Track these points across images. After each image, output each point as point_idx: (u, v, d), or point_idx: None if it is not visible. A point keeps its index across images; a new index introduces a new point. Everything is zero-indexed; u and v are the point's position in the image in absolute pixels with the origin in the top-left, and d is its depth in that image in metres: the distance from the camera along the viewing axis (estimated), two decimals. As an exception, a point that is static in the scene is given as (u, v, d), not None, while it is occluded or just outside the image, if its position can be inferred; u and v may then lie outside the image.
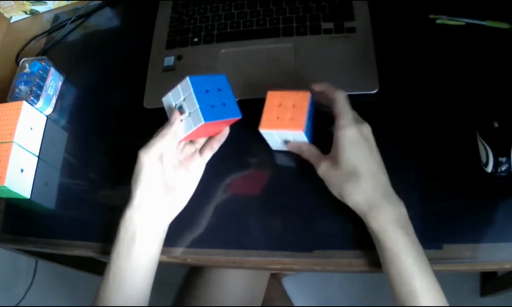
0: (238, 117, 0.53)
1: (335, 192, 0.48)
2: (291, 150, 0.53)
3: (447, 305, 0.43)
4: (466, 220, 0.48)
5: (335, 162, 0.47)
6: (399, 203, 0.46)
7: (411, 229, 0.45)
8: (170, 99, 0.50)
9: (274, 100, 0.52)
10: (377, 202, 0.45)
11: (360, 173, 0.46)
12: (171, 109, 0.50)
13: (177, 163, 0.53)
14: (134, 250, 0.48)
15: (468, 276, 1.13)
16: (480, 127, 0.50)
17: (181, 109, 0.50)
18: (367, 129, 0.48)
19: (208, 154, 0.55)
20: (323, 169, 0.49)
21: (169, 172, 0.52)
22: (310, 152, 0.51)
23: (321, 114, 0.53)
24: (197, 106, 0.48)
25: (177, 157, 0.54)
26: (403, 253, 0.43)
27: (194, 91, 0.48)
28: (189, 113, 0.49)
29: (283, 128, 0.50)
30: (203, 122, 0.48)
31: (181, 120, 0.50)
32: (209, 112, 0.49)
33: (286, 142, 0.53)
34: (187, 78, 0.49)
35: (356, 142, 0.47)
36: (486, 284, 1.10)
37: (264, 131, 0.51)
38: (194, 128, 0.49)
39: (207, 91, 0.50)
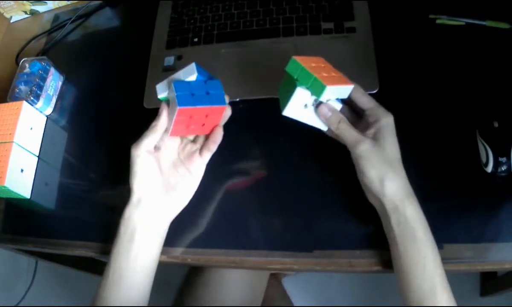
0: (222, 105, 0.51)
1: (373, 173, 0.46)
2: (330, 118, 0.48)
3: (456, 305, 0.43)
4: (466, 220, 0.49)
5: (379, 144, 0.47)
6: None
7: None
8: (162, 88, 0.50)
9: (306, 63, 0.45)
10: (410, 190, 0.46)
11: (399, 160, 0.47)
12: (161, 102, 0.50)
13: (178, 161, 0.53)
14: (133, 249, 0.48)
15: (468, 276, 1.13)
16: (480, 127, 0.50)
17: (168, 102, 0.50)
18: (391, 116, 0.49)
19: (207, 155, 0.55)
20: (368, 145, 0.46)
21: (170, 170, 0.52)
22: (348, 124, 0.48)
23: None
24: (175, 93, 0.47)
25: (178, 155, 0.54)
26: (431, 244, 0.44)
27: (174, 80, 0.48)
28: (171, 103, 0.49)
29: (343, 84, 0.47)
30: (177, 107, 0.47)
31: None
32: (187, 99, 0.48)
33: (317, 108, 0.48)
34: (193, 65, 0.49)
35: (394, 132, 0.48)
36: (486, 284, 1.10)
37: (330, 88, 0.44)
38: (174, 116, 0.48)
39: (189, 81, 0.50)
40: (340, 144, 0.50)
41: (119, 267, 0.48)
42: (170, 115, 0.49)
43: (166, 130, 0.50)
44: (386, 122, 0.48)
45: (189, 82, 0.49)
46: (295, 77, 0.45)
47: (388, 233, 0.46)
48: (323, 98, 0.45)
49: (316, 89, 0.44)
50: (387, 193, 0.45)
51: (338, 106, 0.49)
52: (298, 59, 0.45)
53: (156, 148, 0.51)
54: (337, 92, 0.47)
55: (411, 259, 0.44)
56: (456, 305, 0.43)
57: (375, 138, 0.47)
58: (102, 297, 0.47)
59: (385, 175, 0.46)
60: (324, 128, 0.49)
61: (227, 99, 0.51)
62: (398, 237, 0.45)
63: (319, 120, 0.48)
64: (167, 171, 0.52)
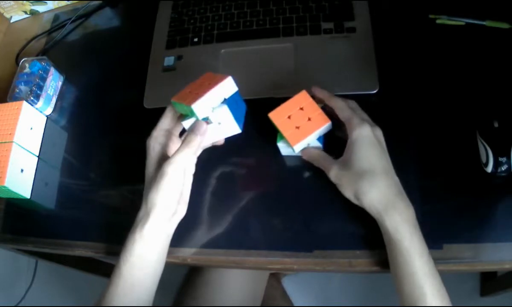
0: (245, 109, 0.53)
1: (349, 193, 0.48)
2: (305, 157, 0.53)
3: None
4: (466, 220, 0.48)
5: (348, 162, 0.47)
6: (410, 204, 0.46)
7: (419, 230, 0.45)
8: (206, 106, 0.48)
9: (280, 117, 0.51)
10: (392, 200, 0.45)
11: (375, 171, 0.46)
12: (197, 121, 0.49)
13: (190, 174, 0.53)
14: (147, 259, 0.48)
15: (468, 276, 1.13)
16: (480, 127, 0.50)
17: (206, 120, 0.49)
18: (379, 131, 0.49)
19: (199, 151, 0.54)
20: (335, 171, 0.48)
21: (187, 183, 0.51)
22: (321, 156, 0.51)
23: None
24: (232, 117, 0.48)
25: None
26: (417, 254, 0.43)
27: (227, 101, 0.48)
28: (218, 123, 0.49)
29: (312, 132, 0.50)
30: (240, 131, 0.49)
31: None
32: (239, 120, 0.50)
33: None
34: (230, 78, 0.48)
35: (370, 142, 0.47)
36: (486, 284, 1.10)
37: (297, 145, 0.50)
38: (227, 135, 0.50)
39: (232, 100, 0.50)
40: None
41: (132, 277, 0.47)
42: (213, 133, 0.49)
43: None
44: (356, 135, 0.47)
45: (232, 99, 0.49)
46: (185, 114, 0.50)
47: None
48: (199, 115, 0.47)
49: (192, 112, 0.47)
50: (367, 206, 0.46)
51: (225, 110, 0.49)
52: (175, 99, 0.50)
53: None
54: (211, 100, 0.47)
55: (399, 268, 0.44)
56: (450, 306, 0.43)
57: (345, 157, 0.48)
58: (112, 303, 0.47)
59: (358, 190, 0.46)
60: (237, 131, 0.50)
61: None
62: (386, 245, 0.46)
63: (230, 127, 0.50)
64: (185, 185, 0.51)
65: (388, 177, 0.46)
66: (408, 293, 0.44)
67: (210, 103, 0.47)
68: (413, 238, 0.44)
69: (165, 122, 0.51)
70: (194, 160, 0.51)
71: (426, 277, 0.43)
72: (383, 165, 0.47)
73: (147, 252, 0.48)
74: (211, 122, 0.48)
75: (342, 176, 0.48)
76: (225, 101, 0.48)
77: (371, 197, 0.45)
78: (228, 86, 0.48)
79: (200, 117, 0.48)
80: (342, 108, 0.50)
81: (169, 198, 0.48)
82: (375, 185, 0.45)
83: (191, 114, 0.48)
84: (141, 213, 0.48)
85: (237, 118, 0.49)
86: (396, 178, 0.47)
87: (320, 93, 0.53)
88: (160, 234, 0.49)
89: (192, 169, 0.51)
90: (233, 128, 0.50)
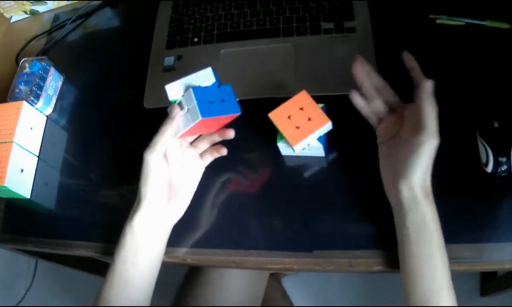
0: (237, 113, 0.52)
1: (392, 160, 0.47)
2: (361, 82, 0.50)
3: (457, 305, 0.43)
4: (466, 220, 0.48)
5: (401, 163, 0.45)
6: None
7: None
8: (174, 90, 0.50)
9: (281, 117, 0.52)
10: (431, 190, 0.45)
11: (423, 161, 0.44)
12: (171, 104, 0.50)
13: (179, 165, 0.53)
14: (141, 256, 0.48)
15: (468, 276, 1.13)
16: (480, 127, 0.50)
17: (180, 104, 0.49)
18: (436, 141, 0.45)
19: (209, 159, 0.55)
20: (406, 133, 0.46)
21: (174, 174, 0.52)
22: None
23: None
24: (195, 102, 0.48)
25: (179, 159, 0.54)
26: (444, 247, 0.44)
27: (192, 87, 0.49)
28: (187, 109, 0.49)
29: (312, 132, 0.50)
30: (200, 118, 0.48)
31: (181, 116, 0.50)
32: (207, 108, 0.48)
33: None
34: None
35: (430, 154, 0.45)
36: (486, 284, 1.10)
37: (297, 145, 0.50)
38: (192, 124, 0.48)
39: (205, 87, 0.50)
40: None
41: (126, 272, 0.48)
42: (184, 119, 0.49)
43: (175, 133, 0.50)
44: (426, 143, 0.45)
45: (205, 88, 0.50)
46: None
47: (401, 230, 0.45)
48: (169, 96, 0.49)
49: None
50: (411, 186, 0.44)
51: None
52: None
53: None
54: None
55: (423, 260, 0.44)
56: (457, 305, 0.43)
57: (411, 138, 0.45)
58: (107, 301, 0.47)
59: (388, 189, 0.46)
60: (199, 118, 0.49)
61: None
62: (413, 236, 0.44)
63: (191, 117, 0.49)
64: (172, 173, 0.51)
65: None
66: (425, 286, 0.43)
67: (182, 87, 0.49)
68: (441, 231, 0.44)
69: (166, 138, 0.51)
70: (175, 144, 0.52)
71: (446, 271, 0.43)
72: (428, 166, 0.45)
73: (139, 244, 0.48)
74: (184, 108, 0.49)
75: (401, 145, 0.46)
76: (195, 87, 0.49)
77: (422, 180, 0.44)
78: (205, 75, 0.49)
79: (170, 98, 0.49)
80: (429, 105, 0.46)
81: (156, 186, 0.48)
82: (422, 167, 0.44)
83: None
84: (133, 207, 0.49)
85: (201, 103, 0.48)
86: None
87: (411, 62, 0.50)
88: (151, 224, 0.49)
89: (175, 154, 0.52)
90: (196, 114, 0.48)
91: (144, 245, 0.48)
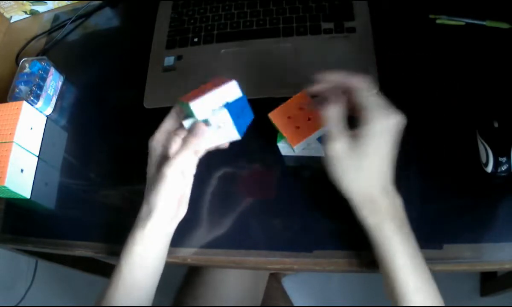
0: (252, 117, 0.50)
1: (336, 174, 0.45)
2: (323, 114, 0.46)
3: (442, 303, 0.43)
4: (466, 220, 0.48)
5: (356, 148, 0.43)
6: (394, 196, 0.45)
7: (406, 224, 0.44)
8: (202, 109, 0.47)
9: (280, 117, 0.51)
10: (375, 196, 0.44)
11: (372, 168, 0.44)
12: (197, 123, 0.47)
13: (191, 175, 0.52)
14: (149, 262, 0.48)
15: (468, 276, 1.13)
16: (480, 127, 0.50)
17: (206, 122, 0.47)
18: (394, 120, 0.44)
19: (201, 153, 0.54)
20: (341, 148, 0.44)
21: (187, 185, 0.51)
22: (335, 119, 0.45)
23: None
24: (232, 122, 0.47)
25: (193, 170, 0.53)
26: (398, 251, 0.43)
27: (229, 105, 0.47)
28: (218, 126, 0.47)
29: (312, 132, 0.50)
30: (239, 138, 0.47)
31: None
32: (240, 125, 0.47)
33: (309, 144, 0.52)
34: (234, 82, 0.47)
35: (381, 137, 0.43)
36: (486, 284, 1.10)
37: (297, 145, 0.50)
38: (226, 142, 0.49)
39: (234, 102, 0.48)
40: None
41: (133, 276, 0.47)
42: (212, 135, 0.48)
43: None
44: (369, 128, 0.43)
45: (234, 103, 0.47)
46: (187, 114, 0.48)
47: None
48: (198, 115, 0.46)
49: (190, 111, 0.46)
50: (348, 197, 0.45)
51: (225, 113, 0.47)
52: (181, 98, 0.48)
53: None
54: (211, 101, 0.46)
55: (379, 263, 0.44)
56: (440, 303, 0.42)
57: (356, 141, 0.44)
58: (114, 302, 0.47)
59: (347, 179, 0.45)
60: (237, 137, 0.49)
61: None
62: (369, 239, 0.45)
63: (229, 133, 0.48)
64: (185, 187, 0.51)
65: (380, 173, 0.44)
66: (390, 288, 0.43)
67: (210, 105, 0.46)
68: (394, 236, 0.43)
69: (168, 123, 0.50)
70: (195, 161, 0.50)
71: (409, 272, 0.42)
72: (382, 162, 0.44)
73: (148, 252, 0.48)
74: (210, 125, 0.47)
75: (345, 157, 0.44)
76: (227, 105, 0.47)
77: (354, 188, 0.44)
78: (231, 90, 0.47)
79: (199, 117, 0.47)
80: (358, 91, 0.45)
81: (170, 200, 0.48)
82: (364, 178, 0.44)
83: (190, 114, 0.47)
84: (143, 214, 0.48)
85: (237, 124, 0.47)
86: (389, 172, 0.45)
87: (319, 86, 0.48)
88: (161, 234, 0.49)
89: (192, 170, 0.51)
90: (232, 134, 0.48)
91: (153, 251, 0.48)
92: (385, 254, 0.43)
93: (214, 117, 0.47)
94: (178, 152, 0.47)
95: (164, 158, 0.50)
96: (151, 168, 0.50)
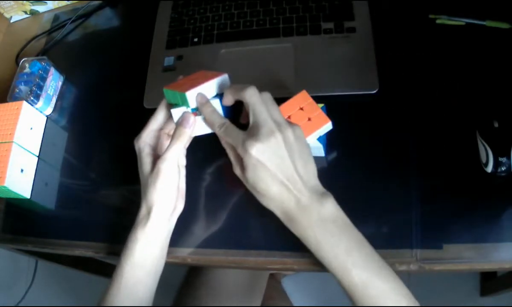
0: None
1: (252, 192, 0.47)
2: (212, 128, 0.48)
3: (401, 284, 0.43)
4: (466, 220, 0.48)
5: (244, 176, 0.46)
6: (319, 199, 0.44)
7: (339, 218, 0.44)
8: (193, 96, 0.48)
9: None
10: (293, 213, 0.44)
11: (266, 193, 0.45)
12: (186, 113, 0.49)
13: (184, 167, 0.53)
14: (150, 260, 0.48)
15: (468, 276, 1.13)
16: (480, 127, 0.50)
17: (194, 111, 0.49)
18: (281, 135, 0.43)
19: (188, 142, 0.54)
20: (238, 173, 0.47)
21: (182, 177, 0.52)
22: (231, 130, 0.47)
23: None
24: (221, 111, 0.49)
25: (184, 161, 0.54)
26: (330, 252, 0.43)
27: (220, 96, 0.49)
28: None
29: (312, 132, 0.50)
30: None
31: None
32: (228, 115, 0.49)
33: None
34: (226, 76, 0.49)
35: (261, 161, 0.43)
36: (486, 284, 1.10)
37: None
38: (212, 131, 0.49)
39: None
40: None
41: (135, 275, 0.48)
42: (202, 124, 0.49)
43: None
44: (247, 154, 0.44)
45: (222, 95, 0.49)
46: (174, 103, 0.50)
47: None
48: (191, 104, 0.47)
49: (184, 100, 0.47)
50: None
51: (216, 103, 0.49)
52: (167, 87, 0.50)
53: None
54: (204, 91, 0.48)
55: (316, 243, 0.44)
56: (400, 285, 0.42)
57: (243, 165, 0.45)
58: (116, 302, 0.47)
59: (260, 199, 0.47)
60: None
61: None
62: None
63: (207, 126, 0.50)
64: (180, 179, 0.51)
65: (282, 194, 0.44)
66: (331, 268, 0.44)
67: (203, 94, 0.48)
68: (322, 241, 0.43)
69: (156, 122, 0.51)
70: (184, 152, 0.52)
71: (349, 252, 0.42)
72: (275, 181, 0.44)
73: (149, 250, 0.48)
74: (199, 114, 0.49)
75: (244, 182, 0.47)
76: (217, 96, 0.49)
77: (271, 208, 0.46)
78: (223, 83, 0.49)
79: (191, 106, 0.48)
80: (247, 103, 0.46)
81: (168, 195, 0.48)
82: (270, 204, 0.46)
83: (182, 103, 0.48)
84: (142, 212, 0.48)
85: (226, 115, 0.49)
86: (300, 181, 0.44)
87: (228, 96, 0.48)
88: (161, 231, 0.49)
89: (183, 161, 0.52)
90: None
91: (154, 249, 0.49)
92: (321, 258, 0.44)
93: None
94: (170, 145, 0.48)
95: (154, 157, 0.50)
96: (143, 168, 0.50)
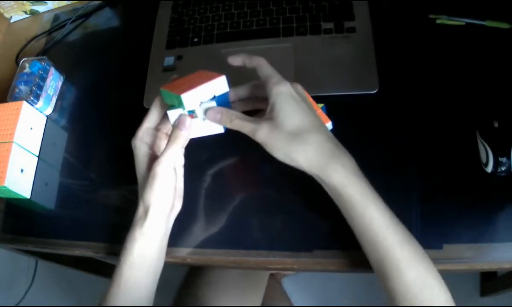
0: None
1: (282, 155, 0.45)
2: (223, 124, 0.48)
3: (425, 255, 0.43)
4: (466, 220, 0.49)
5: (276, 121, 0.45)
6: (349, 154, 0.45)
7: (367, 180, 0.44)
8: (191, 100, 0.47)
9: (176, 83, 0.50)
10: (334, 153, 0.44)
11: (307, 127, 0.44)
12: (182, 115, 0.48)
13: (181, 167, 0.53)
14: (149, 260, 0.48)
15: (468, 276, 1.13)
16: (480, 127, 0.50)
17: (191, 113, 0.48)
18: (300, 87, 0.48)
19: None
20: (264, 133, 0.45)
21: (178, 177, 0.52)
22: (241, 118, 0.47)
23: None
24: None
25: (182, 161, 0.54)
26: (372, 203, 0.42)
27: (217, 99, 0.48)
28: (204, 119, 0.48)
29: (204, 83, 0.46)
30: (223, 131, 0.48)
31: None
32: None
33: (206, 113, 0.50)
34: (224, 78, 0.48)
35: (293, 98, 0.45)
36: (486, 284, 1.10)
37: (184, 95, 0.46)
38: (212, 133, 0.49)
39: (221, 96, 0.49)
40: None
41: (134, 275, 0.48)
42: (198, 127, 0.49)
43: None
44: (276, 91, 0.45)
45: (221, 97, 0.48)
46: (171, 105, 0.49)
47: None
48: (187, 106, 0.47)
49: (179, 102, 0.46)
50: (303, 166, 0.44)
51: (213, 106, 0.48)
52: (164, 87, 0.49)
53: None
54: (201, 94, 0.47)
55: (357, 225, 0.44)
56: (424, 255, 0.42)
57: (270, 117, 0.45)
58: (116, 302, 0.47)
59: (294, 152, 0.44)
60: (221, 130, 0.50)
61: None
62: (337, 203, 0.45)
63: (214, 125, 0.49)
64: (177, 180, 0.51)
65: (321, 131, 0.45)
66: (370, 251, 0.43)
67: (200, 97, 0.47)
68: (364, 188, 0.43)
69: (151, 120, 0.51)
70: (182, 152, 0.52)
71: (388, 228, 0.42)
72: (312, 120, 0.45)
73: (147, 250, 0.48)
74: (196, 117, 0.48)
75: (273, 137, 0.45)
76: (214, 98, 0.48)
77: (310, 156, 0.44)
78: (220, 85, 0.48)
79: (187, 108, 0.47)
80: (261, 67, 0.48)
81: (165, 196, 0.48)
82: (310, 142, 0.44)
83: (178, 104, 0.48)
84: (139, 212, 0.48)
85: None
86: (329, 132, 0.46)
87: (237, 60, 0.51)
88: (159, 231, 0.49)
89: (181, 162, 0.52)
90: (217, 127, 0.49)
91: (152, 249, 0.49)
92: (355, 209, 0.43)
93: (200, 109, 0.48)
94: (166, 148, 0.47)
95: (151, 155, 0.50)
96: (140, 168, 0.50)
